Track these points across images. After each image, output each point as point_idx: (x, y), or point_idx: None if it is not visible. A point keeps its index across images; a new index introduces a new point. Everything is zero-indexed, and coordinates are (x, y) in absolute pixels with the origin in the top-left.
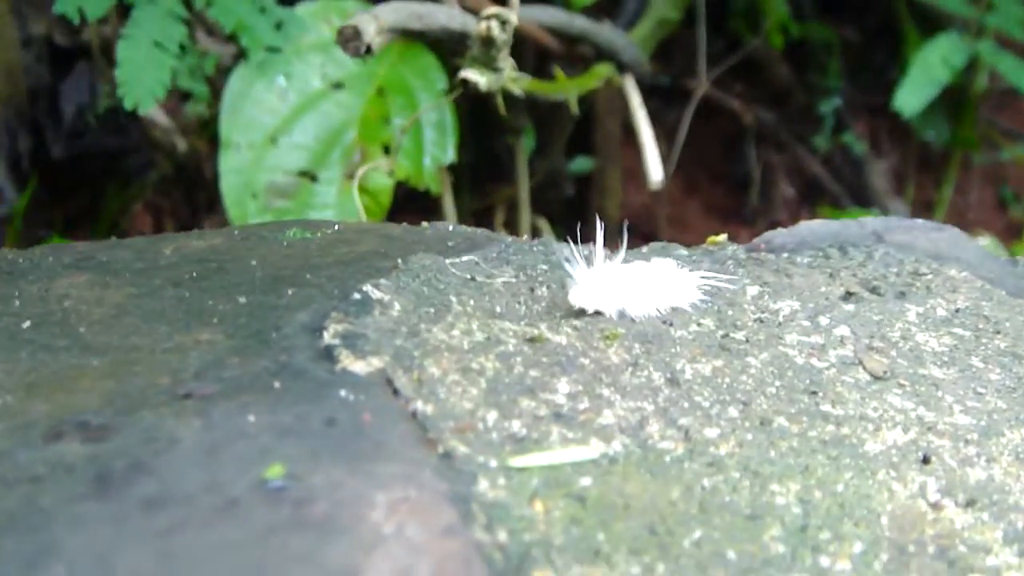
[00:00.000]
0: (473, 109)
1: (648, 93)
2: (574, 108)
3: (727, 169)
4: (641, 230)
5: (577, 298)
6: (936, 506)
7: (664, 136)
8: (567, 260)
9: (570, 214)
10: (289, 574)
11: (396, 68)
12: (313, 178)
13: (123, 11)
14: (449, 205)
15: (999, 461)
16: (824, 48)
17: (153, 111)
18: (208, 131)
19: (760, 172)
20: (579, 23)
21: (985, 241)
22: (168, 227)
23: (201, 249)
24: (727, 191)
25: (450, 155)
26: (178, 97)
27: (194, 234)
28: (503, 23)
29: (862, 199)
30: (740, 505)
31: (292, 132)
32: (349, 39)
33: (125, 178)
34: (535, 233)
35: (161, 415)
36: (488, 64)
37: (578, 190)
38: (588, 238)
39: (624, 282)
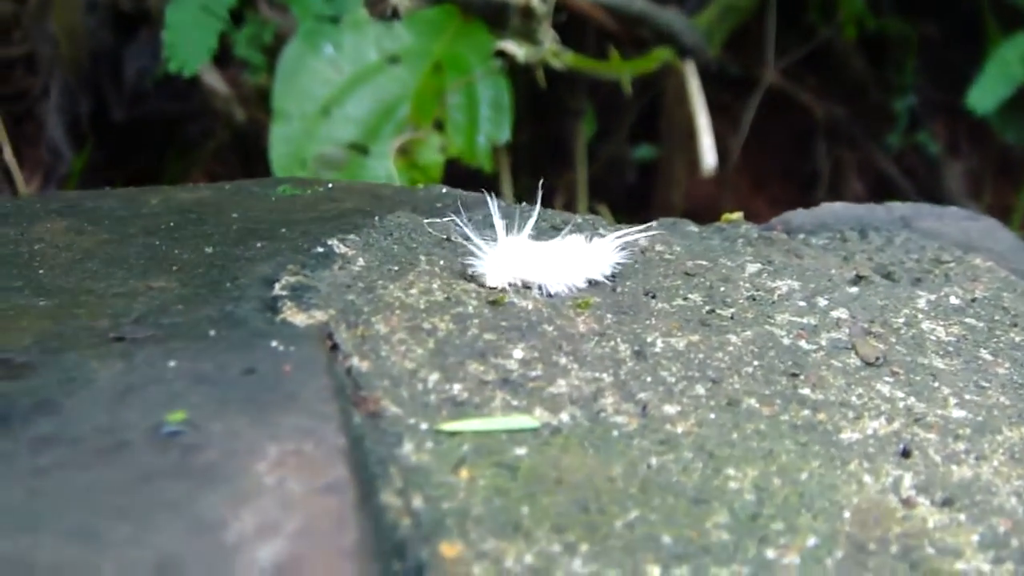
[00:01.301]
0: (535, 91)
1: (719, 83)
2: (627, 88)
3: (796, 164)
4: (706, 221)
5: (481, 272)
6: (908, 503)
7: (731, 127)
8: (468, 237)
9: (632, 202)
10: (152, 520)
11: (453, 44)
12: (364, 151)
13: None
14: (507, 186)
15: (990, 459)
16: (901, 44)
17: (213, 79)
18: (267, 101)
19: (830, 168)
20: (638, 4)
21: None
22: None
23: (187, 201)
24: (795, 186)
25: (505, 134)
26: (239, 66)
27: (186, 187)
28: None
29: (936, 200)
30: (687, 487)
31: (345, 104)
32: (375, 0)
33: (184, 144)
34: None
35: (85, 356)
36: (528, 36)
37: (643, 178)
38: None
39: (528, 258)
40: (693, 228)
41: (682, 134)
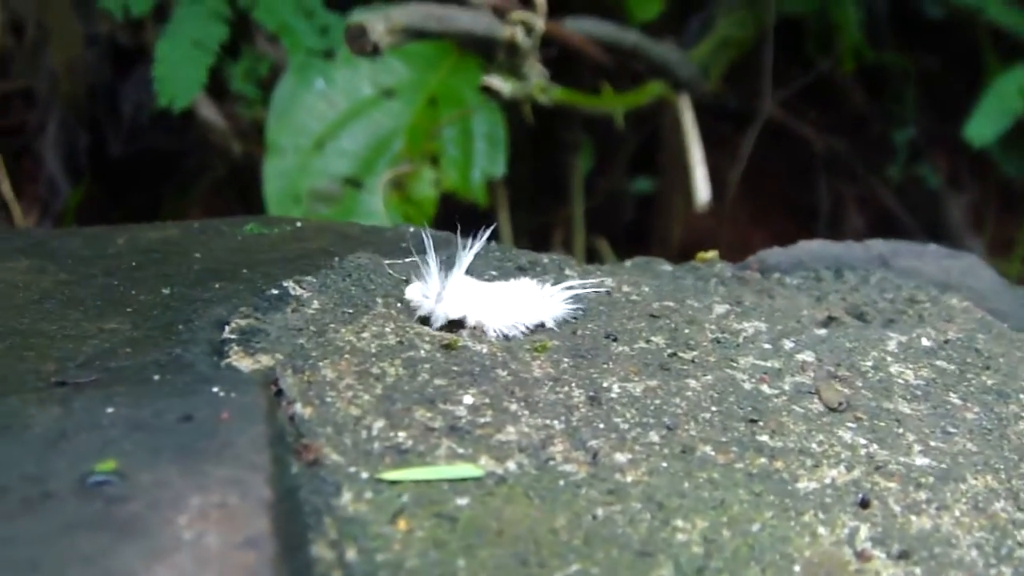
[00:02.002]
0: (533, 124)
1: (718, 116)
2: (619, 122)
3: (796, 197)
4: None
5: (420, 306)
6: (863, 555)
7: (730, 160)
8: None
9: (631, 236)
10: (64, 574)
11: (449, 79)
12: (358, 185)
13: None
14: (505, 221)
15: (951, 509)
16: (901, 76)
17: (209, 113)
18: (263, 135)
19: (830, 202)
20: (631, 38)
21: None
22: None
23: (154, 240)
24: (795, 220)
25: (500, 168)
26: (236, 100)
27: (154, 225)
28: (529, 29)
29: (937, 234)
30: (633, 539)
31: (339, 138)
32: (355, 37)
33: (182, 179)
34: (591, 254)
35: (25, 401)
36: (514, 71)
37: (641, 212)
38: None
39: (466, 297)
40: (666, 267)
41: (680, 167)
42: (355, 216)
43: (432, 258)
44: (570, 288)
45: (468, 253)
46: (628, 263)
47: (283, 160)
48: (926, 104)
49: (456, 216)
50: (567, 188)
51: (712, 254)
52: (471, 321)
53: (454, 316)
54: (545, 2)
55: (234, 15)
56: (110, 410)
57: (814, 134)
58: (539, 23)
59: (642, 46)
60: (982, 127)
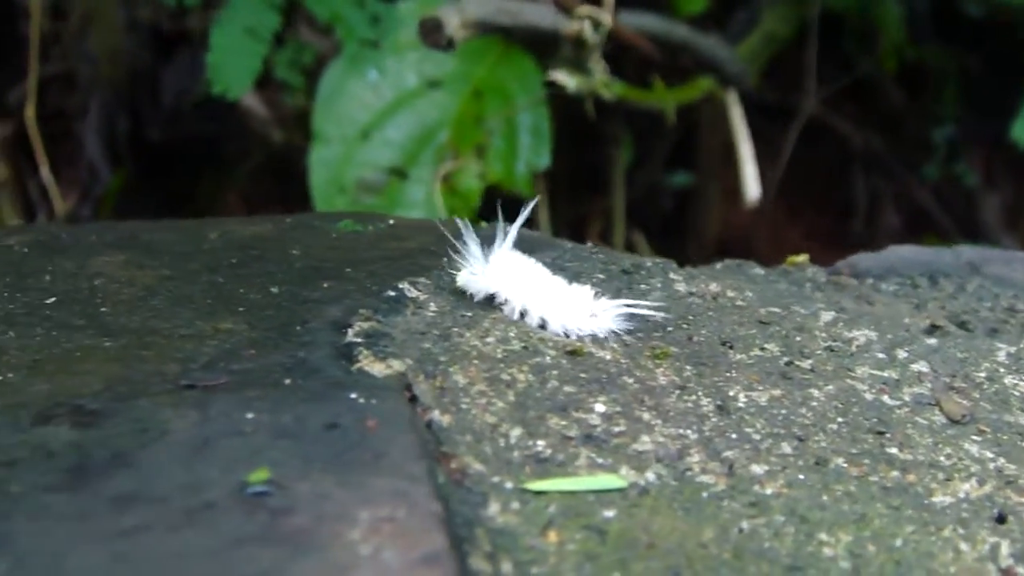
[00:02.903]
0: (572, 117)
1: (754, 111)
2: (671, 118)
3: (832, 194)
4: (740, 250)
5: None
6: (1008, 573)
7: (768, 156)
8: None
9: (668, 229)
10: None
11: (495, 70)
12: (403, 175)
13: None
14: (543, 213)
15: None
16: (941, 74)
17: (251, 101)
18: (305, 123)
19: (867, 199)
20: (680, 32)
21: None
22: None
23: (247, 236)
24: (831, 217)
25: (545, 160)
26: (277, 88)
27: (244, 220)
28: (596, 24)
29: (972, 232)
30: (780, 553)
31: (385, 128)
32: (430, 31)
33: (220, 165)
34: (630, 246)
35: (158, 404)
36: (579, 66)
37: (678, 206)
38: (685, 254)
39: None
40: (759, 271)
41: (718, 161)
42: (399, 207)
43: (472, 239)
44: (627, 305)
45: (512, 229)
46: (718, 265)
47: (329, 149)
48: (964, 103)
49: (498, 205)
50: (607, 180)
51: (803, 258)
52: (514, 302)
53: (494, 290)
54: None
55: (285, 3)
56: (250, 415)
57: (852, 131)
58: (606, 18)
59: (693, 41)
60: None
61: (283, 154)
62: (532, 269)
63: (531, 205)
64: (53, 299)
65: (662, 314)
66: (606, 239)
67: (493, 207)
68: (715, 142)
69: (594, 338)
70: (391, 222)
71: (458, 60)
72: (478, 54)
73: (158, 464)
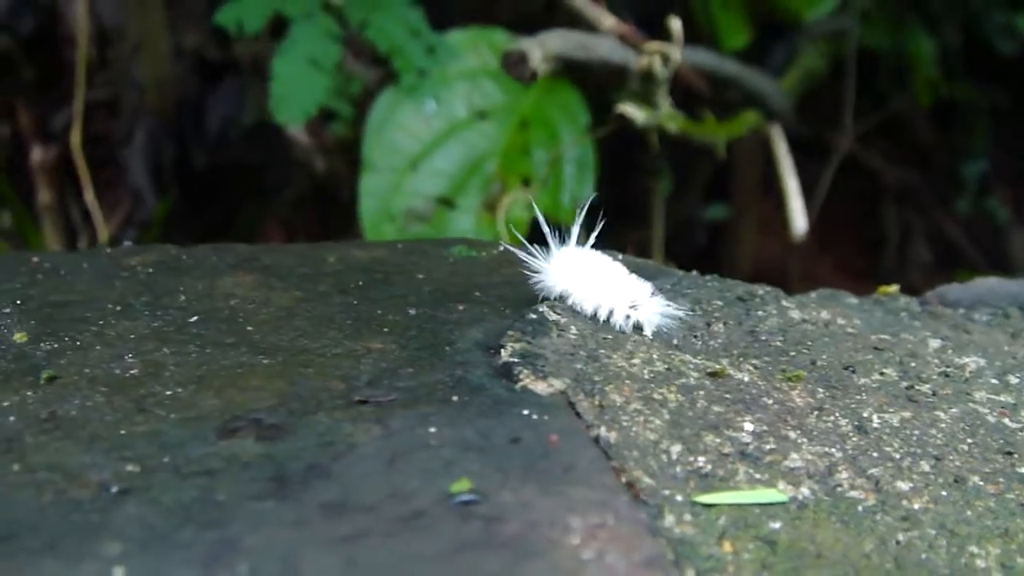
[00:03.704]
0: (608, 147)
1: (789, 144)
2: (722, 153)
3: (863, 228)
4: (771, 282)
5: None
6: None
7: (802, 190)
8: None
9: (702, 261)
10: None
11: (540, 101)
12: (451, 205)
13: (274, 29)
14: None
15: None
16: (972, 110)
17: (295, 130)
18: (348, 153)
19: (898, 233)
20: (730, 67)
21: None
22: None
23: (365, 259)
24: (861, 250)
25: (589, 191)
26: (321, 117)
27: (355, 244)
28: (665, 59)
29: (1001, 267)
30: (938, 564)
31: (433, 158)
32: (515, 63)
33: (263, 193)
34: None
35: (337, 419)
36: (646, 100)
37: (711, 237)
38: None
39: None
40: (853, 300)
41: (753, 195)
42: (447, 235)
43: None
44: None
45: (575, 229)
46: (813, 294)
47: (378, 178)
48: (994, 138)
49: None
50: (644, 211)
51: (893, 288)
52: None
53: (560, 289)
54: (680, 33)
55: (346, 34)
56: (432, 430)
57: (884, 165)
58: (676, 54)
59: (742, 76)
60: None
61: (326, 182)
62: (595, 262)
63: (582, 213)
64: (196, 317)
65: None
66: None
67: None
68: (751, 175)
69: (731, 363)
70: (502, 248)
71: (505, 91)
72: (524, 86)
73: (355, 475)
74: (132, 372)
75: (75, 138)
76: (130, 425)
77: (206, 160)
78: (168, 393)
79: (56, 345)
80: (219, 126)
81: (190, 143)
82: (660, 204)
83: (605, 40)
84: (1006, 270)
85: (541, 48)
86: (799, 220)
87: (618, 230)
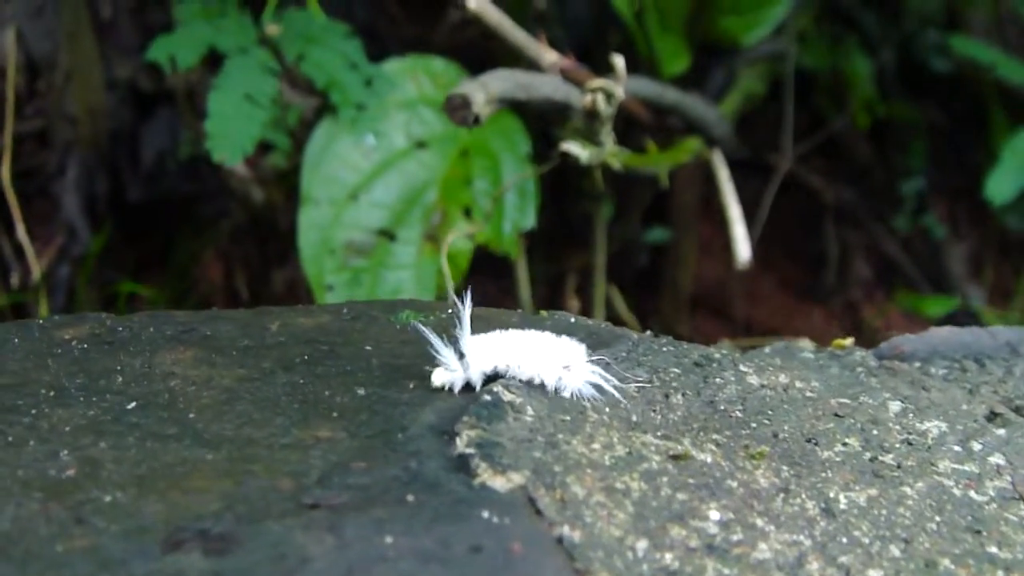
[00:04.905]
0: (549, 173)
1: (727, 166)
2: (664, 182)
3: (803, 245)
4: (713, 304)
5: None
6: None
7: (743, 215)
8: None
9: (643, 284)
10: None
11: (480, 130)
12: (391, 237)
13: (208, 60)
14: (523, 270)
15: None
16: (908, 128)
17: None
18: (286, 183)
19: (838, 250)
20: (671, 95)
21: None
22: (239, 277)
23: (309, 328)
24: (802, 268)
25: (531, 220)
26: (258, 148)
27: (300, 310)
28: (608, 96)
29: (939, 282)
30: None
31: (373, 190)
32: (457, 107)
33: (199, 225)
34: (608, 303)
35: (288, 527)
36: (590, 137)
37: (652, 260)
38: (659, 309)
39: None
40: (808, 354)
41: (693, 217)
42: (388, 269)
43: (435, 339)
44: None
45: (465, 315)
46: (767, 349)
47: (317, 211)
48: (931, 156)
49: (473, 265)
50: (587, 237)
51: (848, 341)
52: (503, 370)
53: (488, 370)
54: (624, 70)
55: (281, 69)
56: (388, 539)
57: (823, 184)
58: (618, 90)
59: (682, 104)
60: (1002, 185)
61: (263, 213)
62: (501, 342)
63: (468, 300)
64: (134, 403)
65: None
66: (583, 294)
67: (483, 266)
68: (690, 198)
69: (692, 441)
70: (450, 311)
71: (444, 121)
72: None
73: None
74: (68, 473)
75: (4, 171)
76: (68, 540)
77: (141, 192)
78: (107, 499)
79: None
80: (154, 158)
81: (124, 175)
82: (602, 229)
83: (547, 79)
84: (942, 285)
85: (484, 91)
86: (743, 248)
87: (559, 255)
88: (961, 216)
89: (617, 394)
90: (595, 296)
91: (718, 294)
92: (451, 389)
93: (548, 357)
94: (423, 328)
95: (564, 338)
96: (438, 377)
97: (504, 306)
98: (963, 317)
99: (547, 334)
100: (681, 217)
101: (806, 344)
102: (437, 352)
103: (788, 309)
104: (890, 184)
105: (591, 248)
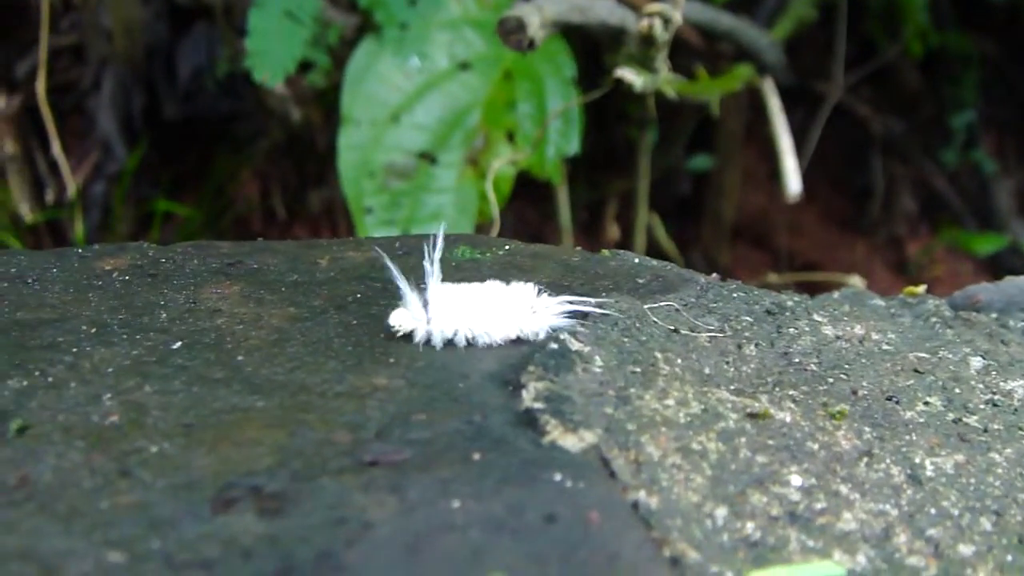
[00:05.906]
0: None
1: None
2: (715, 110)
3: (848, 177)
4: (755, 234)
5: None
6: None
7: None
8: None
9: (684, 212)
10: None
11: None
12: (433, 160)
13: None
14: (563, 196)
15: None
16: (961, 60)
17: None
18: (324, 102)
19: (883, 183)
20: (726, 21)
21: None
22: (276, 196)
23: (360, 263)
24: (846, 200)
25: (574, 146)
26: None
27: (350, 243)
28: (666, 21)
29: (985, 219)
30: None
31: (414, 111)
32: (511, 31)
33: (235, 143)
34: (648, 231)
35: (346, 486)
36: (645, 63)
37: (694, 188)
38: (700, 238)
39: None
40: (879, 302)
41: (737, 145)
42: (428, 192)
43: (402, 280)
44: (570, 303)
45: (435, 265)
46: (836, 294)
47: (357, 132)
48: (982, 89)
49: (517, 189)
50: (628, 163)
51: (920, 288)
52: (464, 334)
53: (449, 334)
54: None
55: None
56: (455, 504)
57: (872, 114)
58: (676, 15)
59: (737, 30)
60: None
61: (301, 133)
62: (465, 296)
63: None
64: (179, 343)
65: (618, 314)
66: (623, 221)
67: (522, 191)
68: (735, 125)
69: (770, 398)
70: (507, 247)
71: (488, 41)
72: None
73: (374, 568)
74: (112, 419)
75: (40, 86)
76: (113, 495)
77: (177, 109)
78: (154, 450)
79: (26, 383)
80: (190, 74)
81: (160, 91)
82: (646, 156)
83: (603, 1)
84: (989, 220)
85: (539, 14)
86: (793, 181)
87: (601, 181)
88: (1011, 151)
89: (595, 311)
90: (636, 223)
91: (760, 224)
92: (410, 336)
93: (511, 305)
94: (390, 264)
95: (515, 284)
96: (396, 319)
97: (544, 231)
98: (1011, 255)
99: (497, 283)
100: (725, 145)
101: (856, 282)
102: (402, 295)
103: (831, 242)
104: (939, 117)
105: (633, 174)
